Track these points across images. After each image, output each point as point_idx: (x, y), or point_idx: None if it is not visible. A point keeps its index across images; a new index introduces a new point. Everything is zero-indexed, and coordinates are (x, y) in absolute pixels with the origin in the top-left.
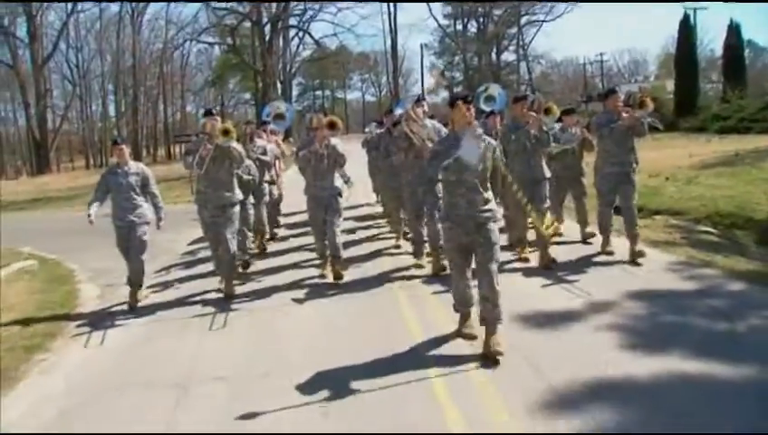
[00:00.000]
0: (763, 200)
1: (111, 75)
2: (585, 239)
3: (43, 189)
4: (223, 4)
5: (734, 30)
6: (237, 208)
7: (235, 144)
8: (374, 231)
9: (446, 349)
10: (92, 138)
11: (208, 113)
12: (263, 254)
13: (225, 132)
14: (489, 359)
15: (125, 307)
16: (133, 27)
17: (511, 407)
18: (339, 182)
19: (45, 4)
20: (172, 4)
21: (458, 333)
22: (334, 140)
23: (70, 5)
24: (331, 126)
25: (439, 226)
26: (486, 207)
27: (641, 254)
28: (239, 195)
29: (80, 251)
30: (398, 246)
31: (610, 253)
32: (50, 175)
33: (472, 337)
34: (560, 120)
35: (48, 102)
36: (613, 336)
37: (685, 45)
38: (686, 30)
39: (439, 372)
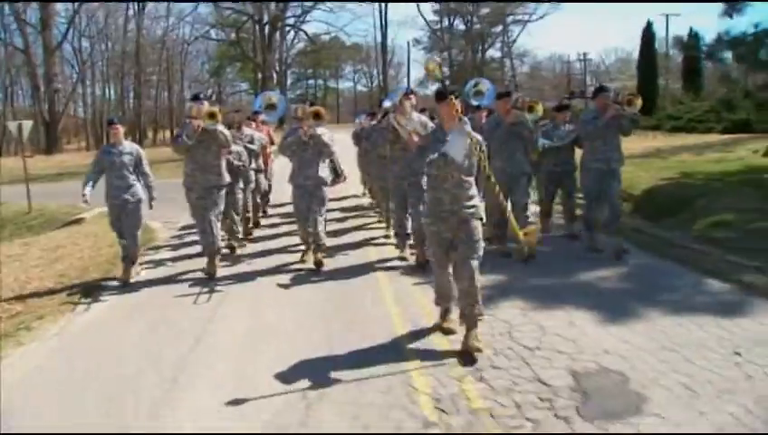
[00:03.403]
0: (645, 182)
1: (113, 60)
2: (571, 235)
3: (62, 166)
4: (230, 5)
5: (692, 39)
6: (224, 192)
7: (221, 127)
8: (361, 221)
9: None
10: (95, 120)
11: (195, 98)
12: (248, 239)
13: (211, 116)
14: (467, 355)
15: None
16: (137, 15)
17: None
18: (324, 172)
19: None
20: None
21: (439, 327)
22: (320, 130)
23: None
24: (317, 116)
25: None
26: (470, 202)
27: (625, 250)
28: (226, 178)
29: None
30: (387, 236)
31: (599, 250)
32: (60, 154)
33: (451, 332)
34: (553, 117)
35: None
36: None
37: (646, 50)
38: (649, 36)
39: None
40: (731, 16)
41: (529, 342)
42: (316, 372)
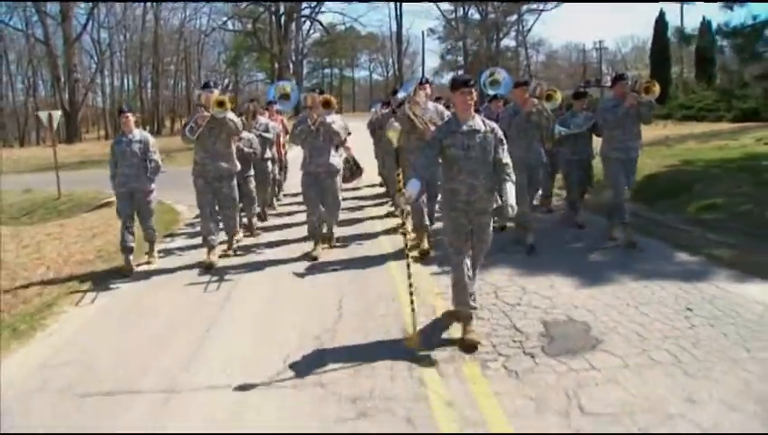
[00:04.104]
0: (648, 169)
1: (132, 51)
2: (572, 222)
3: (83, 154)
4: None
5: (705, 27)
6: (235, 181)
7: (230, 115)
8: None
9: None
10: (113, 110)
11: (206, 86)
12: (261, 228)
13: (220, 104)
14: (466, 346)
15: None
16: (155, 6)
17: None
18: (335, 160)
19: None
20: None
21: (461, 342)
22: (330, 118)
23: None
24: (326, 104)
25: (436, 208)
26: (486, 194)
27: (613, 238)
28: (237, 166)
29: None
30: (401, 226)
31: (615, 239)
32: (80, 143)
33: (473, 347)
34: (570, 105)
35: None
36: None
37: (659, 40)
38: (661, 26)
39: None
40: (731, 8)
41: (511, 299)
42: (328, 321)
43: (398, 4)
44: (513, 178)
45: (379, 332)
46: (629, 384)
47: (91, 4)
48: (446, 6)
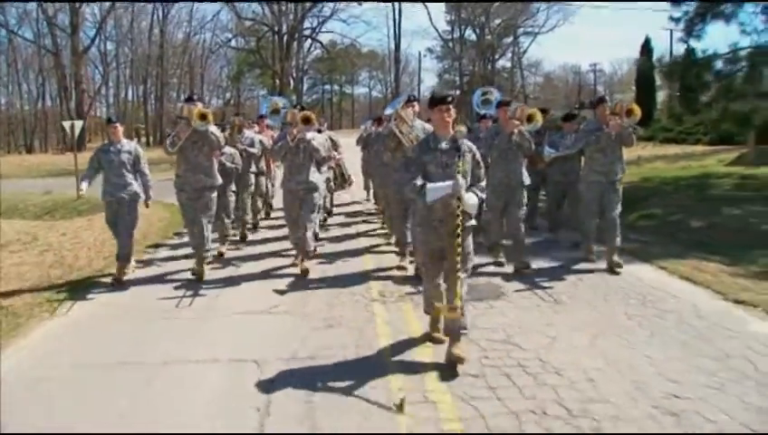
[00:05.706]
0: None
1: (137, 63)
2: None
3: None
4: (250, 17)
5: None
6: (215, 194)
7: (212, 129)
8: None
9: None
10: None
11: (189, 99)
12: (243, 241)
13: (203, 117)
14: (450, 366)
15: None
16: (162, 21)
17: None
18: (315, 176)
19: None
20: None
21: (428, 337)
22: (310, 135)
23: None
24: (306, 121)
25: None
26: (462, 211)
27: (619, 265)
28: (218, 179)
29: (167, 197)
30: (389, 244)
31: (592, 260)
32: (87, 152)
33: (440, 341)
34: (560, 127)
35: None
36: None
37: (644, 65)
38: (647, 51)
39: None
40: (687, 42)
41: None
42: (312, 283)
43: (397, 22)
44: (483, 194)
45: (347, 283)
46: (512, 315)
47: (99, 17)
48: (443, 27)
